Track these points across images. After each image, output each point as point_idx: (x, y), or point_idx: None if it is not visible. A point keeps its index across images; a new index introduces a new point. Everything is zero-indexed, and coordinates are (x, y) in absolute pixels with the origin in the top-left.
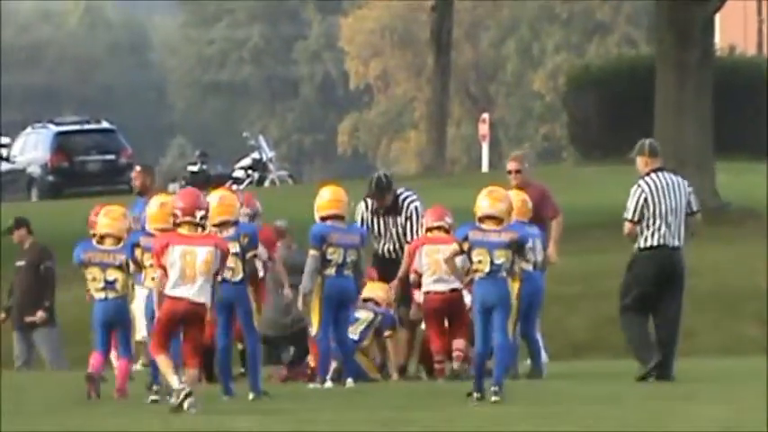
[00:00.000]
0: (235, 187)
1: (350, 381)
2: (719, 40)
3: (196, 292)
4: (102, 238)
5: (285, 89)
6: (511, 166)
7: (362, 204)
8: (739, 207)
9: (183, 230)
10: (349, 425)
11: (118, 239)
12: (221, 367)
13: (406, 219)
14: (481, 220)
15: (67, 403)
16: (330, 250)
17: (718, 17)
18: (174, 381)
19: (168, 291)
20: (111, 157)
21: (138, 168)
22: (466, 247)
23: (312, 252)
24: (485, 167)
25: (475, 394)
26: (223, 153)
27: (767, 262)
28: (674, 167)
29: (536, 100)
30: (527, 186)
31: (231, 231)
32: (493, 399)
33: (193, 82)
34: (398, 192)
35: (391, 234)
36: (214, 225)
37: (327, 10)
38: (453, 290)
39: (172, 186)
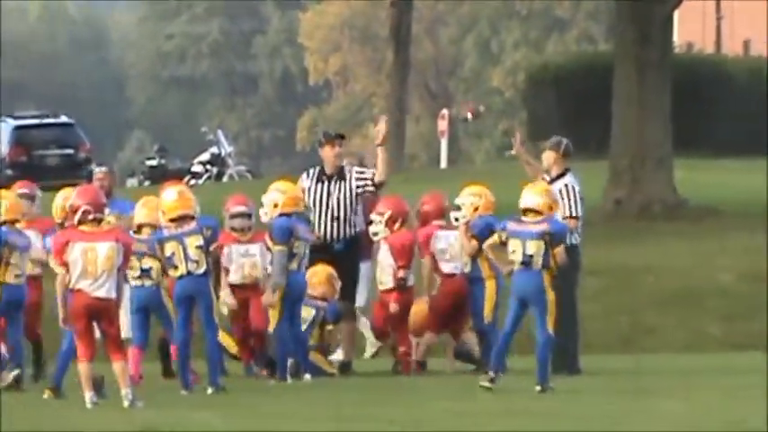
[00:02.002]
0: (193, 182)
1: (307, 376)
2: (678, 38)
3: (99, 287)
4: (139, 228)
5: (244, 84)
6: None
7: (303, 175)
8: (697, 204)
9: (85, 228)
10: (311, 421)
11: (155, 228)
12: (180, 361)
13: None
14: (523, 212)
15: (23, 398)
16: (296, 244)
17: (676, 14)
18: (86, 397)
19: (72, 288)
20: (70, 151)
21: (104, 169)
22: (504, 237)
23: (280, 247)
24: (443, 164)
25: (491, 373)
26: (182, 148)
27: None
28: (632, 164)
29: (495, 96)
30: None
31: (192, 225)
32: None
33: (153, 76)
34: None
35: (333, 201)
36: (172, 220)
37: (287, 5)
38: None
39: (130, 181)
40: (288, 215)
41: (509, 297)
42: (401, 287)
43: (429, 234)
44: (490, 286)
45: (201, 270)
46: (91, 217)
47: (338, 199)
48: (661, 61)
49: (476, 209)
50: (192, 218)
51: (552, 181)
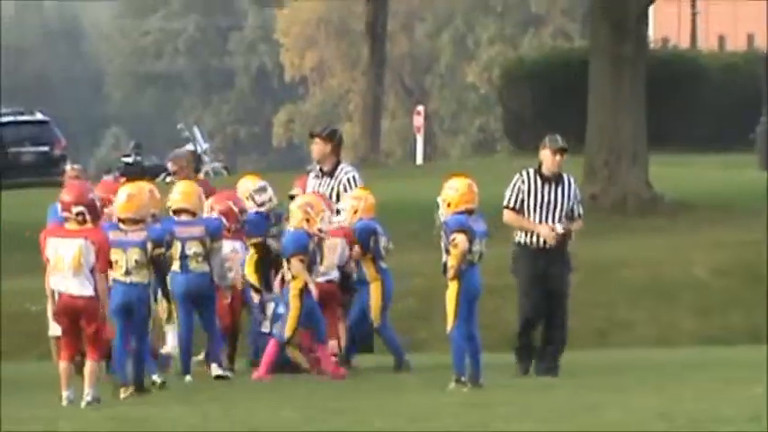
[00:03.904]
0: (169, 179)
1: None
2: (653, 33)
3: (71, 285)
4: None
5: (220, 80)
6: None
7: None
8: (671, 199)
9: (70, 225)
10: (283, 418)
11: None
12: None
13: (338, 183)
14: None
15: None
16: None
17: (651, 10)
18: (63, 395)
19: (51, 285)
20: (45, 148)
21: (76, 167)
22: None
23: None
24: (419, 159)
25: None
26: (158, 144)
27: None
28: (607, 159)
29: (471, 92)
30: None
31: (141, 236)
32: None
33: (129, 73)
34: (341, 164)
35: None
36: (120, 220)
37: (263, 1)
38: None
39: (106, 177)
40: (461, 213)
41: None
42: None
43: None
44: (375, 288)
45: (140, 279)
46: (81, 219)
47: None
48: (636, 57)
49: (355, 212)
50: (138, 222)
51: (555, 182)
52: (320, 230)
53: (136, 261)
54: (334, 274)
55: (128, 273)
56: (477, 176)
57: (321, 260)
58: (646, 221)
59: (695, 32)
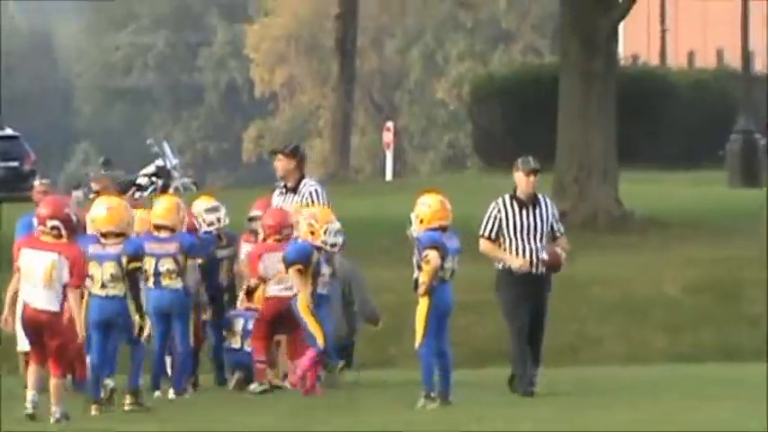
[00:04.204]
0: (138, 194)
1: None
2: (623, 50)
3: (38, 298)
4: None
5: (190, 96)
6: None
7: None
8: (642, 216)
9: (44, 238)
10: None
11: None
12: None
13: (302, 198)
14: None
15: None
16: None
17: (621, 27)
18: (28, 396)
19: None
20: (15, 164)
21: (45, 182)
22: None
23: (434, 253)
24: (389, 176)
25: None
26: (128, 159)
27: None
28: (577, 176)
29: (440, 108)
30: None
31: (116, 249)
32: None
33: (99, 87)
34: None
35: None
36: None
37: (233, 17)
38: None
39: (75, 193)
40: (434, 229)
41: None
42: None
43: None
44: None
45: (116, 293)
46: (56, 233)
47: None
48: (606, 73)
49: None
50: (119, 235)
51: (531, 205)
52: (324, 243)
53: (111, 275)
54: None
55: (103, 286)
56: (447, 193)
57: (334, 273)
58: (616, 238)
59: (665, 49)
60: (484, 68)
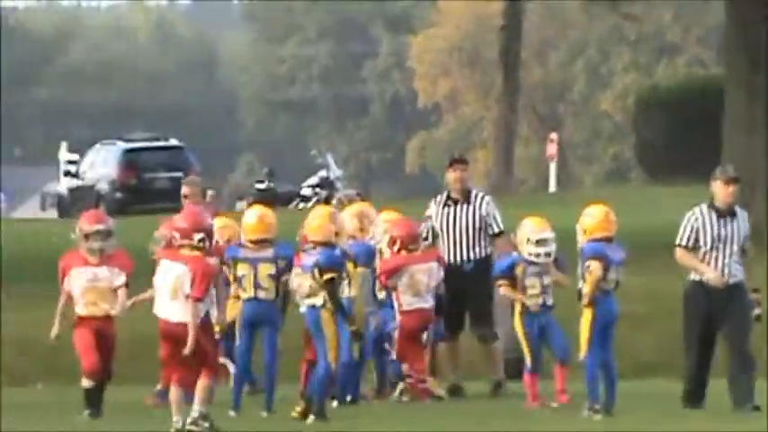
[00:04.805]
0: (302, 205)
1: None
2: None
3: (171, 312)
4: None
5: (354, 107)
6: None
7: (431, 203)
8: None
9: (183, 251)
10: None
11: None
12: (236, 383)
13: (479, 208)
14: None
15: None
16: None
17: None
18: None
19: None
20: (179, 174)
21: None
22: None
23: (597, 264)
24: (552, 187)
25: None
26: (291, 171)
27: None
28: (741, 189)
29: (604, 120)
30: None
31: (269, 252)
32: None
33: (263, 99)
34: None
35: (460, 226)
36: (251, 242)
37: (397, 29)
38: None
39: (239, 204)
40: (598, 240)
41: None
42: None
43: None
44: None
45: (270, 296)
46: (177, 243)
47: (465, 223)
48: None
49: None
50: (270, 243)
51: (729, 216)
52: (538, 255)
53: (268, 275)
54: (431, 301)
55: (258, 287)
56: (611, 205)
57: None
58: None
59: None
60: (649, 80)
